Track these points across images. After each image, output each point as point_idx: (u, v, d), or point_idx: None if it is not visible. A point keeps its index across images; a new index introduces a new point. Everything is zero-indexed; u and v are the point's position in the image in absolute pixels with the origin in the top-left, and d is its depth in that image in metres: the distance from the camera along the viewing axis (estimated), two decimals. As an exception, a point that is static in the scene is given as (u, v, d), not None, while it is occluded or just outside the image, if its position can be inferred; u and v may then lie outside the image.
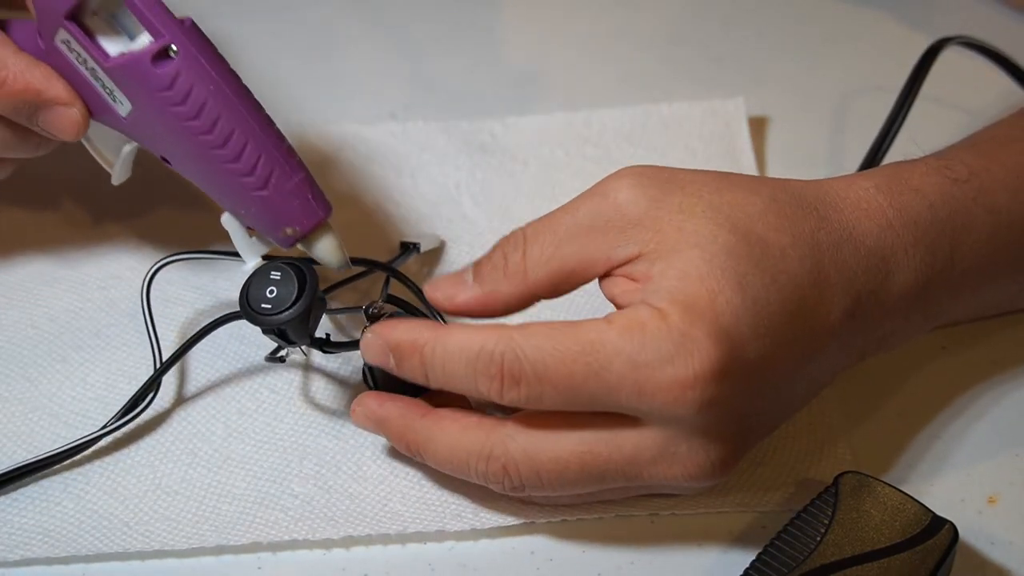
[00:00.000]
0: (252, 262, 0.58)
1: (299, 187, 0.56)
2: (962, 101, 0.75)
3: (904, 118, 0.67)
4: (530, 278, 0.52)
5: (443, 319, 0.55)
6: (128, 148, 0.60)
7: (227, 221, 0.57)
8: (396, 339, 0.52)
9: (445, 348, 0.51)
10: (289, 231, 0.56)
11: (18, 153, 0.61)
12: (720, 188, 0.52)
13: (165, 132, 0.56)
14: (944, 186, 0.55)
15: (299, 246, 0.57)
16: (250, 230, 0.58)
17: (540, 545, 0.55)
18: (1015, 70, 0.70)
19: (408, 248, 0.64)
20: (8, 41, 0.57)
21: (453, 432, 0.52)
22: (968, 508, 0.56)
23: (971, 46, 0.70)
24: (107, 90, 0.56)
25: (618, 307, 0.51)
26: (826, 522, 0.51)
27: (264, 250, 0.58)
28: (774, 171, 0.72)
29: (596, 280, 0.53)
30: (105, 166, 0.61)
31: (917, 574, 0.50)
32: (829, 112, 0.75)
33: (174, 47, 0.54)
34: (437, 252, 0.67)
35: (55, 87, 0.57)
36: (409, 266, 0.65)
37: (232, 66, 0.56)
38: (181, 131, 0.55)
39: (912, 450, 0.58)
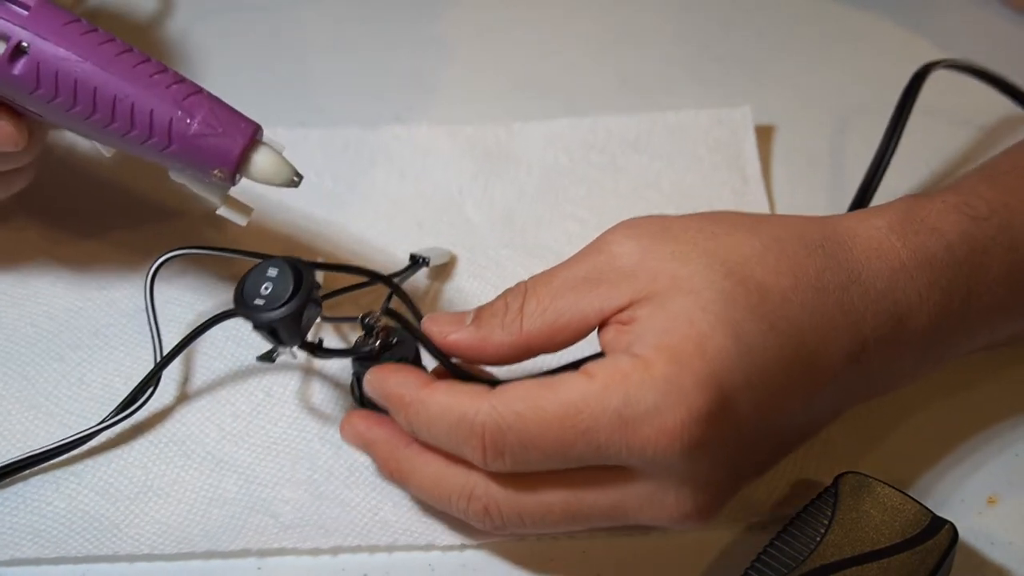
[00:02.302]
0: (221, 207, 0.56)
1: (203, 127, 0.54)
2: (960, 113, 0.74)
3: (898, 139, 0.66)
4: (525, 329, 0.51)
5: (435, 349, 0.54)
6: None
7: (175, 176, 0.57)
8: (386, 392, 0.52)
9: (428, 412, 0.50)
10: (218, 173, 0.54)
11: None
12: (716, 233, 0.51)
13: (64, 124, 0.55)
14: (963, 224, 0.54)
15: (245, 180, 0.55)
16: None
17: (540, 546, 0.55)
18: (1006, 87, 0.70)
19: (417, 262, 0.63)
20: None
21: (437, 465, 0.52)
22: (968, 508, 0.56)
23: (959, 68, 0.70)
24: (10, 100, 0.56)
25: (606, 353, 0.50)
26: (826, 522, 0.51)
27: (225, 189, 0.56)
28: (778, 179, 0.71)
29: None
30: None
31: (917, 574, 0.50)
32: (833, 115, 0.75)
33: (23, 43, 0.54)
34: (447, 267, 0.66)
35: None
36: (418, 281, 0.65)
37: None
38: (72, 120, 0.55)
39: (912, 450, 0.58)
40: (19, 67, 0.54)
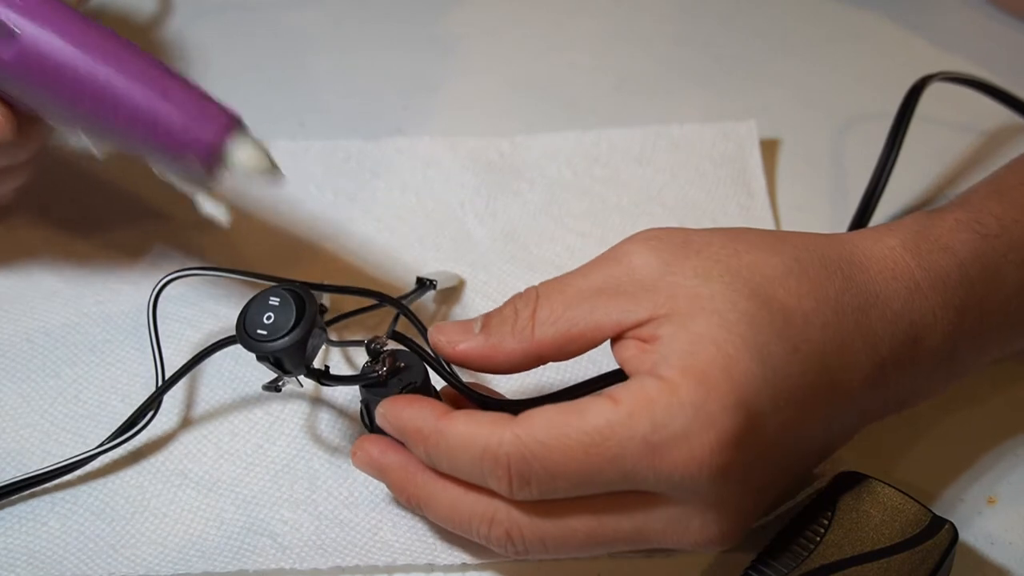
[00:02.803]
0: (205, 205, 0.56)
1: (181, 114, 0.53)
2: (960, 119, 0.74)
3: (898, 151, 0.66)
4: (537, 337, 0.50)
5: (447, 367, 0.53)
6: None
7: (157, 171, 0.56)
8: (402, 426, 0.51)
9: (448, 444, 0.49)
10: (194, 160, 0.53)
11: None
12: (738, 250, 0.51)
13: (48, 112, 0.55)
14: (975, 243, 0.53)
15: (227, 172, 0.55)
16: None
17: (543, 565, 0.54)
18: (1000, 95, 0.70)
19: (424, 284, 0.62)
20: None
21: (455, 491, 0.51)
22: (968, 508, 0.56)
23: (954, 80, 0.69)
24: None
25: (627, 373, 0.49)
26: (826, 522, 0.51)
27: (207, 183, 0.56)
28: (781, 188, 0.71)
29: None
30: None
31: (917, 574, 0.50)
32: (834, 117, 0.75)
33: (16, 28, 0.53)
34: (456, 292, 0.65)
35: None
36: (426, 305, 0.64)
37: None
38: (55, 107, 0.54)
39: (912, 450, 0.58)
40: (8, 50, 0.53)
